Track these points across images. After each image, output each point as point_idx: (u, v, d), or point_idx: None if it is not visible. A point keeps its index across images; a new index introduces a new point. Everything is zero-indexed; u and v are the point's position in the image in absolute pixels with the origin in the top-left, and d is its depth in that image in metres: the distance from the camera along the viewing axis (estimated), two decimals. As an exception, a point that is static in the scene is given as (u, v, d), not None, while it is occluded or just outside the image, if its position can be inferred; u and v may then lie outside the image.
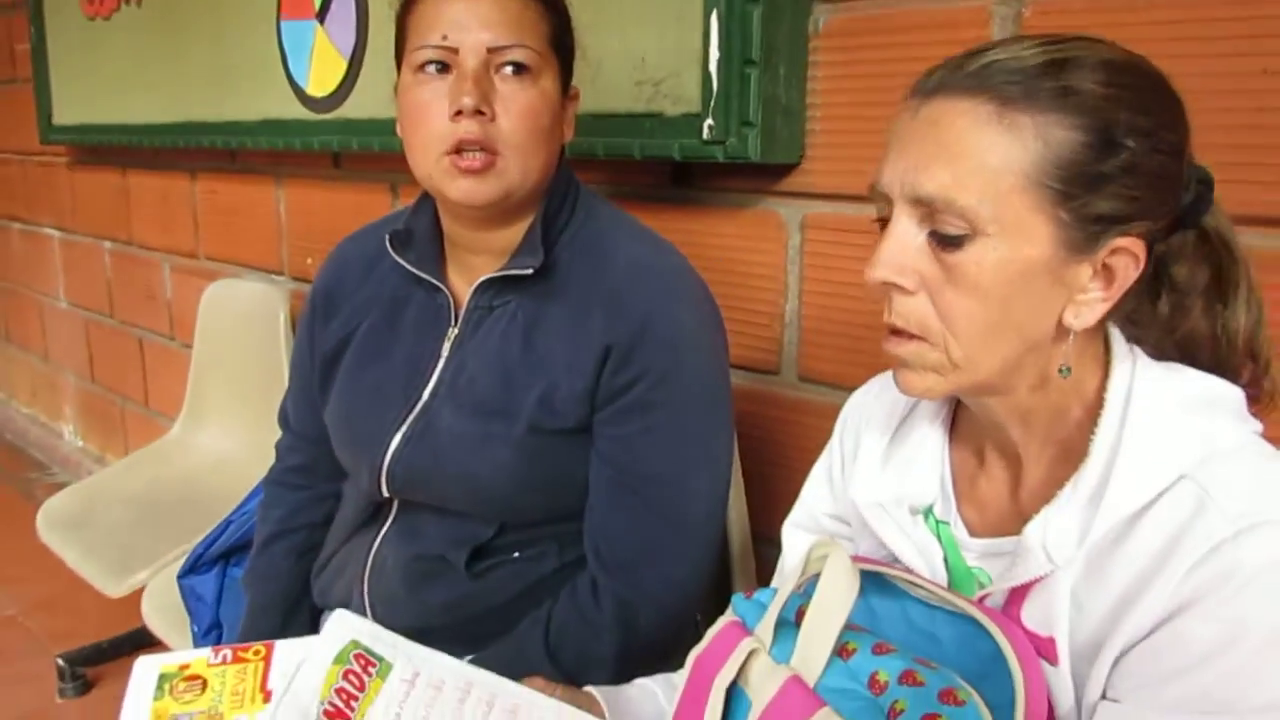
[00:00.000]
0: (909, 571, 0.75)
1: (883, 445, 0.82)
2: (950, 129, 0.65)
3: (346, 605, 1.14)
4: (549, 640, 1.02)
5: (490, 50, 0.97)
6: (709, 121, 1.26)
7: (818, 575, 0.70)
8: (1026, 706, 0.64)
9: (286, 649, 0.98)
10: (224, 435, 2.31)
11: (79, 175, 3.16)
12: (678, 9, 1.29)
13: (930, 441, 0.81)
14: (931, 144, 0.66)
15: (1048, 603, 0.68)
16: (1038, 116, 0.64)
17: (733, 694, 0.71)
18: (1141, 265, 0.67)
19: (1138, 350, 0.72)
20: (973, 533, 0.77)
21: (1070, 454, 0.71)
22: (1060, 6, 1.04)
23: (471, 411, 1.04)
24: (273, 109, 2.11)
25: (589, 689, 0.87)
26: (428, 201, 1.11)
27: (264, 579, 1.23)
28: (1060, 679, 0.67)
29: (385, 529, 1.11)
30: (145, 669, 0.81)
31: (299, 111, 2.03)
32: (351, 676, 0.79)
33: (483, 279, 1.05)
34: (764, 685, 0.67)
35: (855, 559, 0.72)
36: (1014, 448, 0.75)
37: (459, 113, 0.96)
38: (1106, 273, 0.67)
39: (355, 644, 0.81)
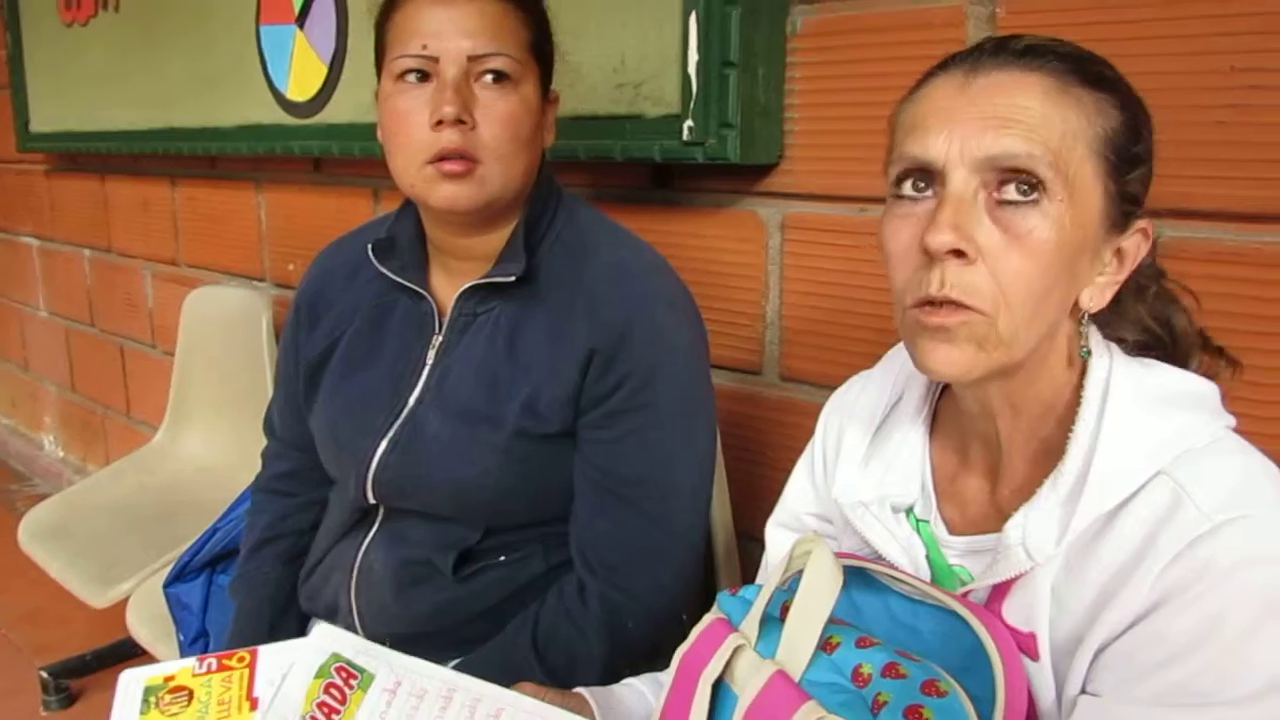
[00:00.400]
0: (892, 567, 0.76)
1: (864, 444, 0.83)
2: (1019, 95, 0.66)
3: (334, 611, 1.15)
4: (537, 642, 1.03)
5: (470, 59, 0.98)
6: (689, 123, 1.27)
7: (802, 571, 0.71)
8: (1007, 698, 0.65)
9: (271, 654, 0.98)
10: (207, 443, 2.30)
11: (57, 183, 3.14)
12: (657, 12, 1.30)
13: (911, 440, 0.82)
14: (1002, 108, 0.66)
15: (1028, 599, 0.69)
16: (1094, 93, 0.67)
17: (719, 690, 0.71)
18: (1149, 247, 0.71)
19: (1113, 346, 0.74)
20: (953, 531, 0.78)
21: (1049, 451, 0.72)
22: (1032, 6, 1.05)
23: (457, 418, 1.04)
24: (253, 114, 2.10)
25: (579, 690, 0.88)
26: (410, 208, 1.11)
27: (251, 585, 1.22)
28: (1042, 674, 0.68)
29: (372, 534, 1.12)
30: (130, 682, 0.81)
31: (279, 117, 2.03)
32: (333, 690, 0.79)
33: (466, 286, 1.06)
34: (750, 680, 0.68)
35: (839, 555, 0.73)
36: (997, 443, 0.76)
37: (440, 122, 0.97)
38: (1119, 256, 0.71)
39: (336, 657, 0.81)
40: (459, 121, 0.97)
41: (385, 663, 0.82)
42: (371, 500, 1.09)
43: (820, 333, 1.30)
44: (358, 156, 1.82)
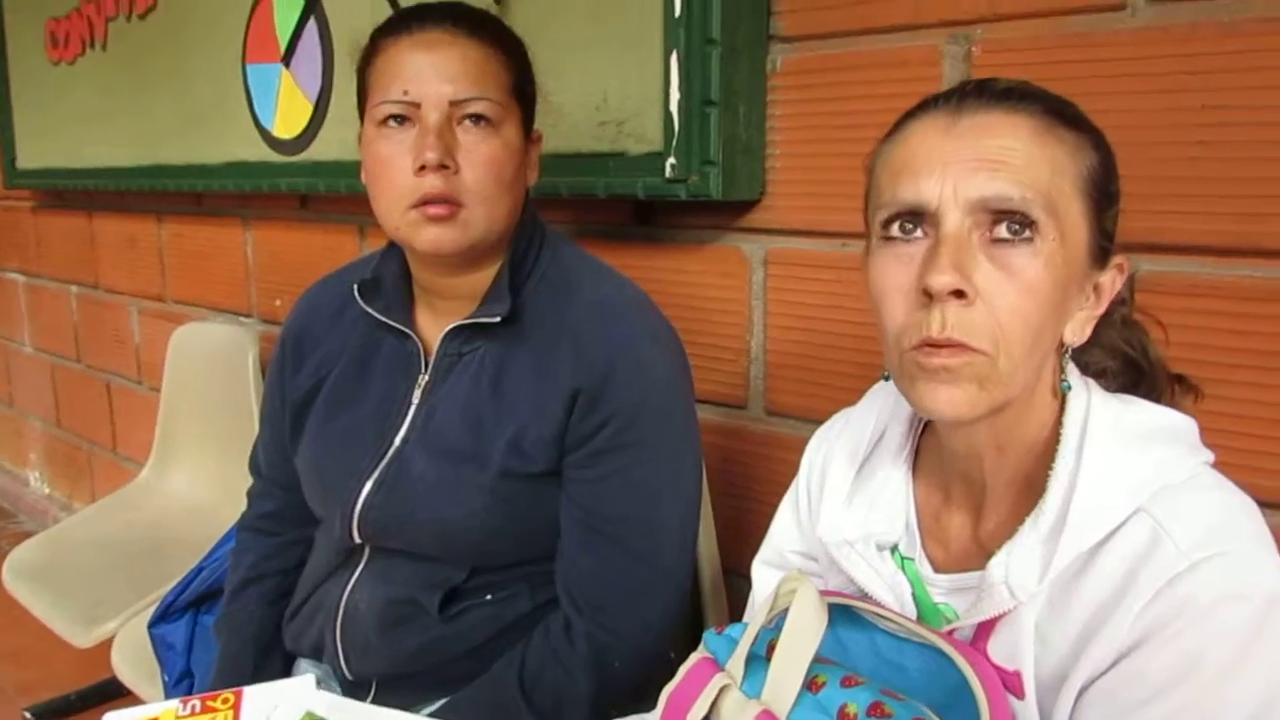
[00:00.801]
0: (878, 605, 0.76)
1: (848, 482, 0.83)
2: (1007, 137, 0.67)
3: (319, 650, 1.14)
4: (524, 682, 1.02)
5: (452, 103, 0.99)
6: (671, 160, 1.28)
7: (787, 610, 0.71)
8: (992, 736, 0.65)
9: (255, 695, 0.98)
10: (194, 479, 2.29)
11: (44, 219, 3.14)
12: (638, 52, 1.32)
13: (894, 478, 0.82)
14: (991, 150, 0.67)
15: (1013, 637, 0.69)
16: (1075, 133, 0.69)
17: (705, 731, 0.71)
18: (1124, 281, 0.74)
19: (1091, 382, 0.75)
20: (937, 568, 0.78)
21: (1030, 487, 0.73)
22: (1007, 45, 1.07)
23: (443, 457, 1.04)
24: (239, 151, 2.11)
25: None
26: (395, 248, 1.12)
27: (236, 625, 1.22)
28: (1027, 711, 0.69)
29: (357, 574, 1.11)
30: (114, 725, 0.81)
31: (265, 154, 2.04)
32: None
33: (451, 326, 1.06)
34: (735, 722, 0.68)
35: (824, 593, 0.73)
36: (981, 481, 0.76)
37: (423, 167, 0.97)
38: (1096, 291, 0.72)
39: (310, 715, 0.82)
40: (442, 166, 0.98)
41: (359, 718, 0.82)
42: (357, 540, 1.09)
43: (804, 366, 1.31)
44: (343, 193, 1.83)
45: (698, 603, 1.27)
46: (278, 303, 2.23)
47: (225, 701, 0.98)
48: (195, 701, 0.97)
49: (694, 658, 0.76)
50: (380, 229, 1.05)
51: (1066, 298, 0.69)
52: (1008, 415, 0.72)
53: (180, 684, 1.45)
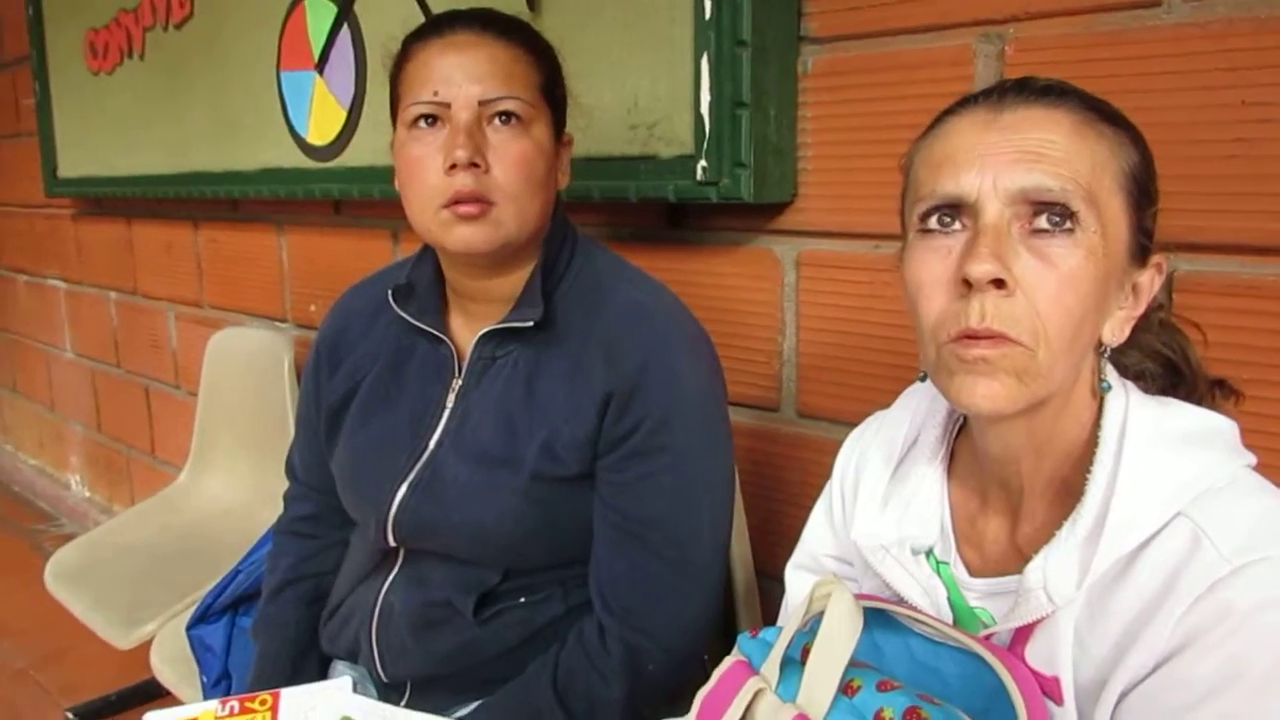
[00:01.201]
0: (913, 609, 0.75)
1: (882, 485, 0.83)
2: (1048, 130, 0.67)
3: (355, 653, 1.15)
4: (557, 685, 1.03)
5: (481, 103, 1.00)
6: (702, 163, 1.28)
7: (822, 613, 0.71)
8: (1030, 741, 0.64)
9: (293, 697, 0.99)
10: (230, 482, 2.32)
11: (84, 227, 3.19)
12: (668, 54, 1.32)
13: (929, 481, 0.81)
14: (1032, 142, 0.67)
15: (1051, 642, 0.68)
16: (1115, 130, 0.69)
17: (740, 735, 0.71)
18: (1162, 282, 0.73)
19: (1129, 384, 0.74)
20: (973, 572, 0.77)
21: (1068, 490, 0.72)
22: (1040, 44, 1.06)
23: (476, 460, 1.05)
24: (274, 158, 2.14)
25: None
26: (429, 253, 1.13)
27: (273, 627, 1.23)
28: (1066, 718, 0.68)
29: (392, 577, 1.12)
30: (153, 725, 0.82)
31: (300, 160, 2.06)
32: None
33: (485, 330, 1.07)
34: (770, 726, 0.68)
35: (859, 596, 0.73)
36: (1018, 484, 0.75)
37: (454, 166, 0.98)
38: (1135, 291, 0.72)
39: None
40: (472, 165, 0.98)
41: None
42: (392, 543, 1.10)
43: (836, 369, 1.30)
44: (377, 199, 1.85)
45: (731, 605, 1.27)
46: (312, 308, 2.26)
47: (263, 703, 0.99)
48: (234, 703, 0.99)
49: (728, 661, 0.76)
50: (413, 234, 1.06)
51: (1106, 293, 0.69)
52: (1045, 414, 0.71)
53: (218, 685, 1.47)
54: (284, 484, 1.32)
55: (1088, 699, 0.67)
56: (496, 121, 1.01)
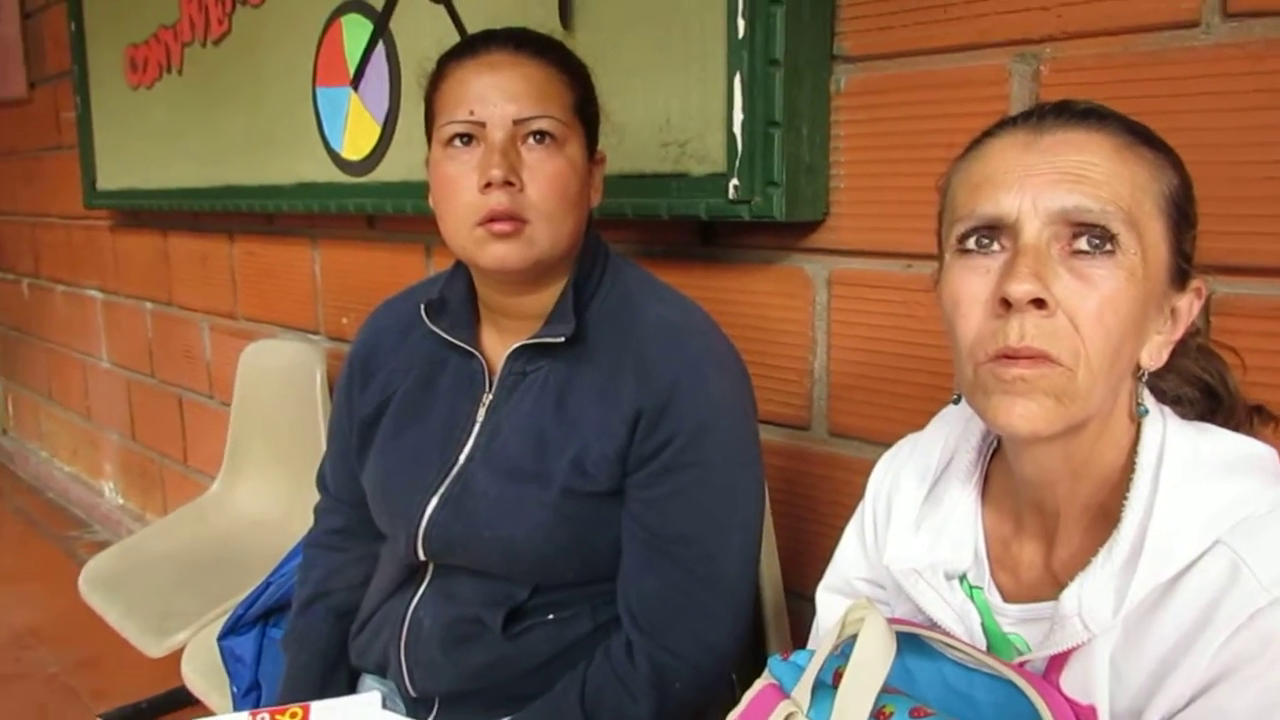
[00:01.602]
0: (947, 634, 0.75)
1: (915, 508, 0.82)
2: (1088, 153, 0.67)
3: (384, 667, 1.15)
4: (585, 702, 1.02)
5: (516, 122, 1.01)
6: (734, 181, 1.28)
7: (854, 637, 0.70)
8: (1065, 771, 0.63)
9: (322, 711, 0.99)
10: (262, 493, 2.34)
11: (121, 238, 3.24)
12: (701, 73, 1.32)
13: (963, 504, 0.81)
14: (1073, 164, 0.67)
15: (1086, 671, 0.68)
16: (1155, 154, 0.69)
17: (770, 759, 0.71)
18: (1200, 306, 0.72)
19: (1167, 410, 0.73)
20: (1007, 598, 0.77)
21: (1105, 516, 0.71)
22: (1076, 64, 1.05)
23: (506, 475, 1.06)
24: (308, 173, 2.16)
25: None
26: (461, 269, 1.14)
27: (303, 640, 1.24)
28: (1102, 746, 0.67)
29: (421, 591, 1.13)
30: (184, 733, 0.83)
31: (334, 175, 2.08)
32: None
33: (516, 345, 1.08)
34: (801, 750, 0.68)
35: (891, 621, 0.72)
36: (1054, 509, 0.75)
37: (488, 184, 0.99)
38: (1174, 315, 0.71)
39: None
40: (507, 183, 0.99)
41: None
42: (421, 557, 1.10)
43: (868, 388, 1.29)
44: (410, 214, 1.86)
45: (759, 625, 1.27)
46: (345, 320, 2.28)
47: (294, 716, 0.99)
48: (264, 715, 0.99)
49: (759, 684, 0.75)
50: (446, 249, 1.07)
51: (1145, 316, 0.68)
52: (1082, 438, 0.71)
53: (248, 696, 1.48)
54: (315, 496, 1.33)
55: (1125, 729, 0.66)
56: (531, 140, 1.02)
